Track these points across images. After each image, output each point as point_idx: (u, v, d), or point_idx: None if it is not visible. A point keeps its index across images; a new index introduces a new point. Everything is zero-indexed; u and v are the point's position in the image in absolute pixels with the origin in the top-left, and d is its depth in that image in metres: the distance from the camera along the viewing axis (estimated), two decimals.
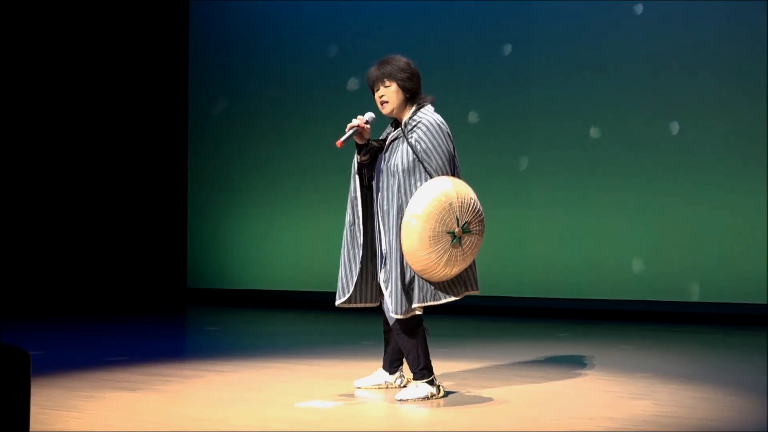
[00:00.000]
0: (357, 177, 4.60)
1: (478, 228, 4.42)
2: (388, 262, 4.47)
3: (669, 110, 8.66)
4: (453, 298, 4.47)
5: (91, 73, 10.34)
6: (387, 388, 4.79)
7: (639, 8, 8.79)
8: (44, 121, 10.01)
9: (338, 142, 4.47)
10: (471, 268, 4.52)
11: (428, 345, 4.56)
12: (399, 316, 4.41)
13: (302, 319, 8.98)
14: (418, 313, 4.45)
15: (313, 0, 10.23)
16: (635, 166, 8.75)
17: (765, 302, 8.18)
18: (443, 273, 4.36)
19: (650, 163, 8.70)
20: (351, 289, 4.60)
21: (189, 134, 10.92)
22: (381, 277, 4.55)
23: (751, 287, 8.25)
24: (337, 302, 4.67)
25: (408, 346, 4.51)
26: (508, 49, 9.30)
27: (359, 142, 4.56)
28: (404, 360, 4.81)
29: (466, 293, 4.52)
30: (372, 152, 4.58)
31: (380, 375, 4.83)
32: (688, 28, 8.62)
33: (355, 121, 4.52)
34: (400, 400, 4.49)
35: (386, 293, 4.48)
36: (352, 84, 9.72)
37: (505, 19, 9.34)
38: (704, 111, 8.53)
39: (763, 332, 7.41)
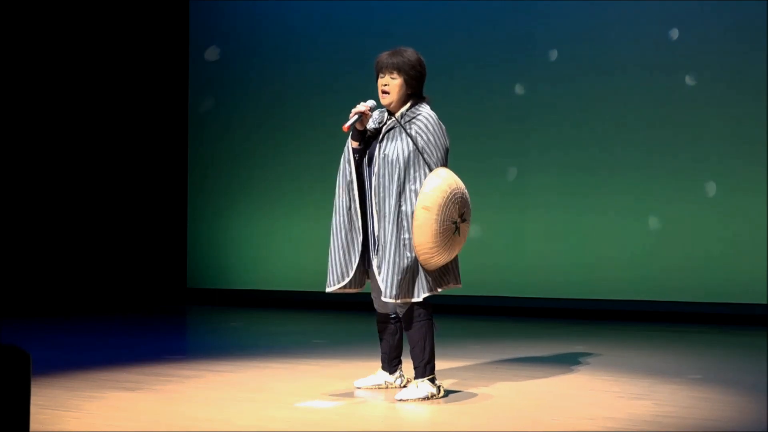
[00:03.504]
0: (352, 161, 4.65)
1: (469, 217, 4.55)
2: (381, 247, 4.52)
3: (668, 110, 8.65)
4: (441, 289, 4.56)
5: (90, 74, 10.34)
6: (387, 388, 4.79)
7: (639, 9, 8.79)
8: (44, 121, 10.01)
9: (345, 127, 4.58)
10: (455, 262, 4.59)
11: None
12: (391, 300, 4.47)
13: (302, 319, 8.98)
14: (418, 300, 4.48)
15: (314, 0, 10.23)
16: (635, 166, 8.75)
17: (765, 302, 8.18)
18: (443, 261, 4.46)
19: (650, 163, 8.69)
20: (351, 274, 4.62)
21: (189, 134, 10.91)
22: (374, 262, 4.57)
23: (751, 287, 8.25)
24: (334, 287, 4.66)
25: (416, 337, 4.53)
26: (506, 50, 9.29)
27: (359, 128, 4.65)
28: (402, 359, 4.82)
29: (453, 285, 4.60)
30: (366, 139, 4.66)
31: (380, 375, 4.83)
32: (688, 28, 8.61)
33: (360, 107, 4.61)
34: (400, 400, 4.49)
35: (379, 279, 4.52)
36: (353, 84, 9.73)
37: (504, 19, 9.34)
38: (704, 111, 8.53)
39: (763, 332, 7.41)
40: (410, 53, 4.62)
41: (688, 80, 8.58)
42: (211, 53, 10.49)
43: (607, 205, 8.85)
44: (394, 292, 4.46)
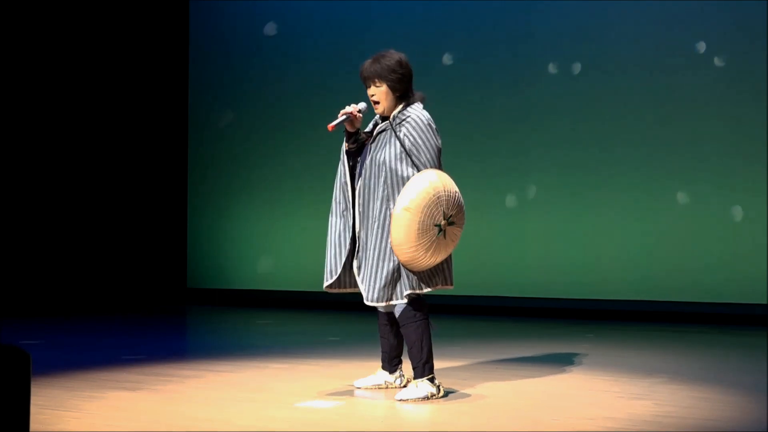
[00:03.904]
0: (346, 163, 4.66)
1: (460, 221, 4.48)
2: (362, 249, 4.54)
3: (668, 110, 8.66)
4: (429, 290, 4.51)
5: (91, 74, 10.35)
6: (387, 388, 4.79)
7: (639, 9, 8.79)
8: (44, 121, 10.01)
9: (330, 126, 4.56)
10: (447, 263, 4.55)
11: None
12: (381, 304, 4.46)
13: (302, 319, 8.98)
14: (402, 301, 4.46)
15: (314, 0, 10.23)
16: (635, 166, 8.75)
17: (765, 302, 8.19)
18: (428, 263, 4.42)
19: (650, 163, 8.70)
20: (338, 271, 4.62)
21: (189, 134, 10.92)
22: (354, 264, 4.58)
23: (751, 287, 8.25)
24: (325, 284, 4.67)
25: (412, 338, 4.52)
26: (506, 50, 9.29)
27: (350, 129, 4.64)
28: (403, 358, 4.82)
29: (442, 287, 4.55)
30: (359, 142, 4.65)
31: (380, 375, 4.83)
32: (688, 28, 8.61)
33: (348, 108, 4.61)
34: (400, 400, 4.49)
35: (359, 279, 4.55)
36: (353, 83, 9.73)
37: (504, 19, 9.34)
38: (704, 111, 8.53)
39: (763, 332, 7.41)
40: (388, 57, 4.59)
41: (689, 81, 8.57)
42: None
43: (607, 205, 8.85)
44: (375, 296, 4.46)
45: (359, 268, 4.56)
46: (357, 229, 4.59)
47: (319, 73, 10.13)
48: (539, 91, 9.15)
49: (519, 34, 9.27)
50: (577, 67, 9.01)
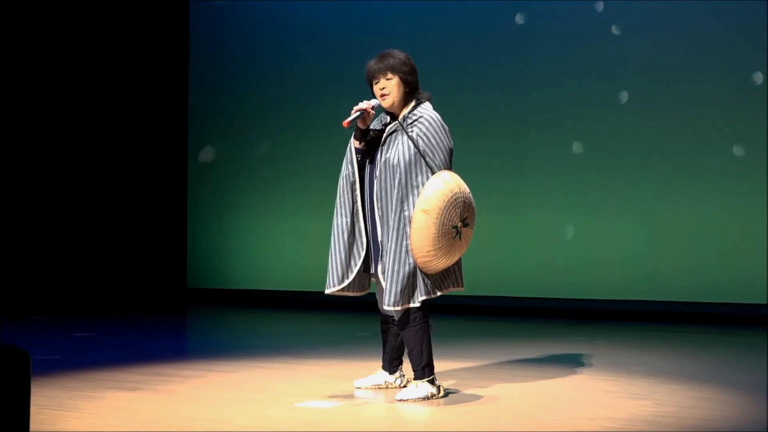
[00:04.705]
0: (354, 162, 4.61)
1: (472, 222, 4.49)
2: (385, 254, 4.48)
3: (668, 110, 8.66)
4: (440, 293, 4.50)
5: (91, 74, 10.35)
6: (387, 388, 4.79)
7: (641, 10, 8.79)
8: (44, 121, 10.02)
9: (345, 122, 4.52)
10: (458, 265, 4.54)
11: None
12: (397, 308, 4.43)
13: (302, 319, 8.98)
14: (415, 305, 4.45)
15: (314, 0, 10.23)
16: (635, 167, 8.75)
17: (765, 302, 8.19)
18: (443, 265, 4.41)
19: (650, 163, 8.70)
20: (351, 277, 4.60)
21: (189, 134, 10.92)
22: (379, 268, 4.55)
23: (751, 287, 8.25)
24: (333, 289, 4.62)
25: (412, 341, 4.51)
26: (506, 49, 9.29)
27: (361, 127, 4.60)
28: (403, 359, 4.82)
29: (453, 288, 4.54)
30: (368, 141, 4.61)
31: (380, 375, 4.82)
32: (688, 29, 8.61)
33: (362, 105, 4.57)
34: (400, 400, 4.49)
35: (384, 286, 4.48)
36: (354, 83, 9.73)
37: (504, 19, 9.35)
38: (704, 111, 8.53)
39: (763, 332, 7.42)
40: (396, 53, 4.58)
41: (689, 81, 8.57)
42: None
43: (607, 205, 8.85)
44: (392, 300, 4.42)
45: (383, 273, 4.49)
46: (379, 234, 4.53)
47: (319, 74, 10.13)
48: (540, 91, 9.15)
49: (520, 33, 9.25)
50: (576, 68, 9.01)
